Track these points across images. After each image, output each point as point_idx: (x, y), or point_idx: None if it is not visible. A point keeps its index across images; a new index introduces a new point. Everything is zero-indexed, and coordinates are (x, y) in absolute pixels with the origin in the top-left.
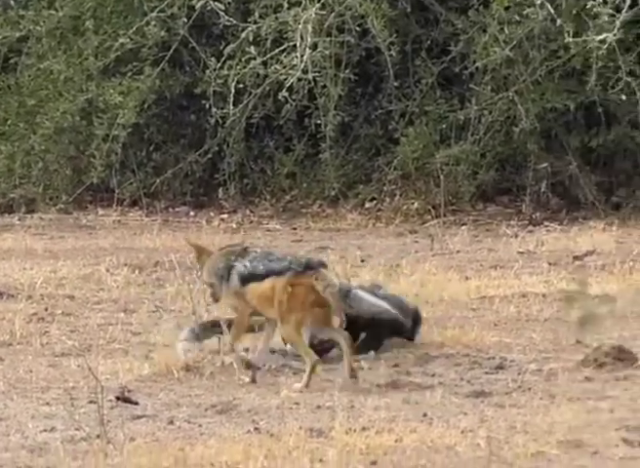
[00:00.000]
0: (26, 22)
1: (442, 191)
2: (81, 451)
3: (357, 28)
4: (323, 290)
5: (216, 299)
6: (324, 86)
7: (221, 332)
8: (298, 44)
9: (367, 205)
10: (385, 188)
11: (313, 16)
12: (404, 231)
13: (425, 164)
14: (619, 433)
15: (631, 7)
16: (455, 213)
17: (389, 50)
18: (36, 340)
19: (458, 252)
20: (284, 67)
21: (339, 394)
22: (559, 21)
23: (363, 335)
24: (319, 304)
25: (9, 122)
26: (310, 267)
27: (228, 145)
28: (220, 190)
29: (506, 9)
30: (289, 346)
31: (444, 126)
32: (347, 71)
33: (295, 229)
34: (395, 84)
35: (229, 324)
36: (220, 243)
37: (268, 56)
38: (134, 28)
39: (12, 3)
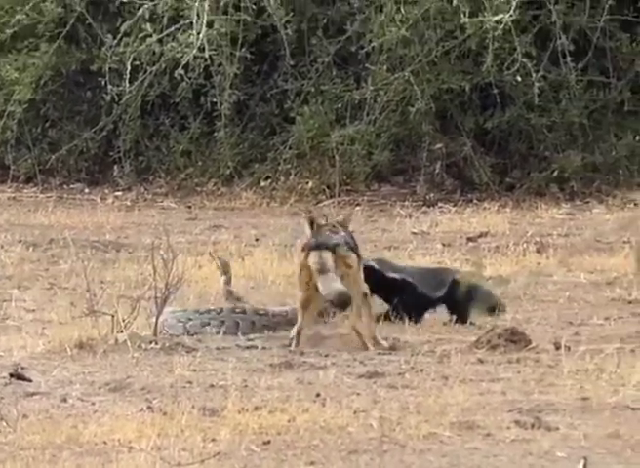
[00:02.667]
0: None
1: (337, 171)
2: None
3: (253, 6)
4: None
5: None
6: (220, 64)
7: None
8: (194, 21)
9: (262, 184)
10: (280, 167)
11: None
12: (299, 211)
13: (321, 143)
14: (511, 415)
15: None
16: (349, 193)
17: (285, 28)
18: None
19: (352, 232)
20: (180, 45)
21: (232, 373)
22: (455, 1)
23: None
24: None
25: None
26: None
27: (124, 123)
28: (115, 167)
29: None
30: None
31: (339, 105)
32: (243, 50)
33: (189, 207)
34: (291, 63)
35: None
36: (115, 221)
37: (165, 33)
38: (30, 4)
39: None
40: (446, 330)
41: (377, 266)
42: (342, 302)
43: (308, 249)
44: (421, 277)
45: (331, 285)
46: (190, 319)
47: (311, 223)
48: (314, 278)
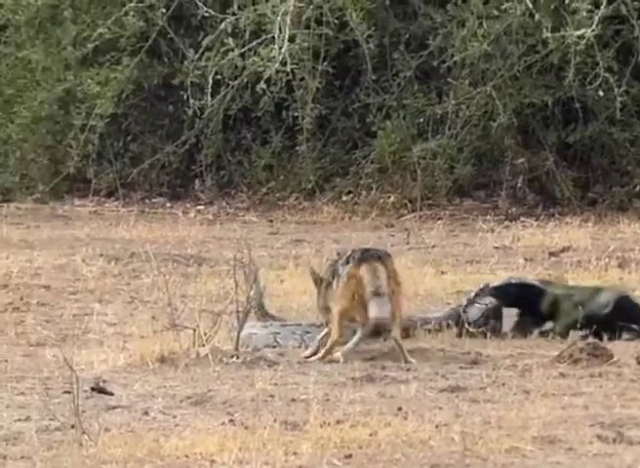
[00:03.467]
0: (5, 11)
1: (419, 185)
2: (56, 441)
3: (335, 21)
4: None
5: None
6: (302, 78)
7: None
8: (276, 36)
9: (343, 198)
10: (362, 182)
11: (292, 8)
12: (380, 225)
13: (402, 158)
14: (593, 429)
15: (610, 2)
16: (431, 207)
17: (367, 43)
18: (11, 330)
19: (433, 246)
20: (262, 59)
21: (314, 387)
22: (537, 16)
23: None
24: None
25: None
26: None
27: (206, 137)
28: (197, 182)
29: (485, 3)
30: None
31: (421, 120)
32: (325, 64)
33: (271, 221)
34: (373, 77)
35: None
36: (197, 235)
37: (246, 47)
38: (112, 18)
39: None
40: (527, 344)
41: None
42: (379, 331)
43: (358, 260)
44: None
45: (382, 310)
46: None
47: (316, 281)
48: (364, 293)
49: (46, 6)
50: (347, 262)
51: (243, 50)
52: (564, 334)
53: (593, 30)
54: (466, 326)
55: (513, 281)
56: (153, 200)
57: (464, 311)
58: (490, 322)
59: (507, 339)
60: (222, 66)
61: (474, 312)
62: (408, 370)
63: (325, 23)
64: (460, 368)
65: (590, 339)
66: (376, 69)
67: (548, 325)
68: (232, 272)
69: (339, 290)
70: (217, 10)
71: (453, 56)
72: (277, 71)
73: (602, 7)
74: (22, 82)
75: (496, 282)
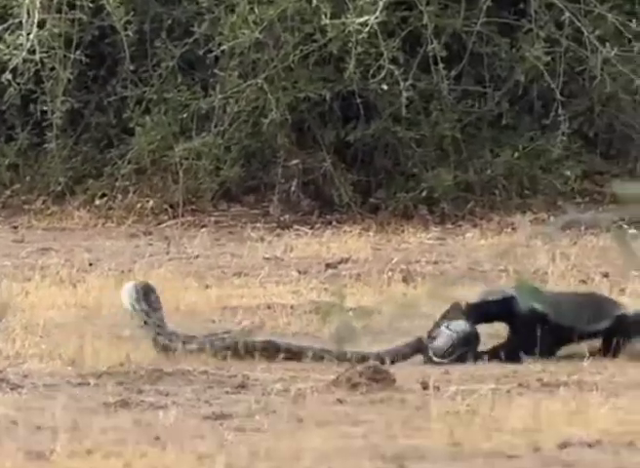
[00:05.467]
0: None
1: (180, 188)
2: None
3: (90, 5)
4: None
5: None
6: (52, 68)
7: None
8: (23, 21)
9: (97, 202)
10: (118, 184)
11: None
12: (137, 232)
13: (163, 157)
14: (373, 462)
15: None
16: (194, 213)
17: (125, 29)
18: None
19: (197, 256)
20: (8, 47)
21: (61, 413)
22: (315, 2)
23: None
24: None
25: None
26: None
27: None
28: None
29: None
30: None
31: (185, 115)
32: (78, 52)
33: (15, 228)
34: (131, 67)
35: None
36: None
37: None
38: None
39: None
40: (301, 366)
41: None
42: None
43: None
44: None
45: None
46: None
47: None
48: None
49: None
50: None
51: None
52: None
53: (377, 17)
54: (432, 356)
55: (491, 298)
56: None
57: (429, 338)
58: (459, 351)
59: (278, 361)
60: None
61: (441, 341)
62: (167, 394)
63: (79, 7)
64: (226, 392)
65: (371, 362)
66: (134, 59)
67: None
68: None
69: None
70: None
71: (220, 44)
72: (24, 60)
73: None
74: None
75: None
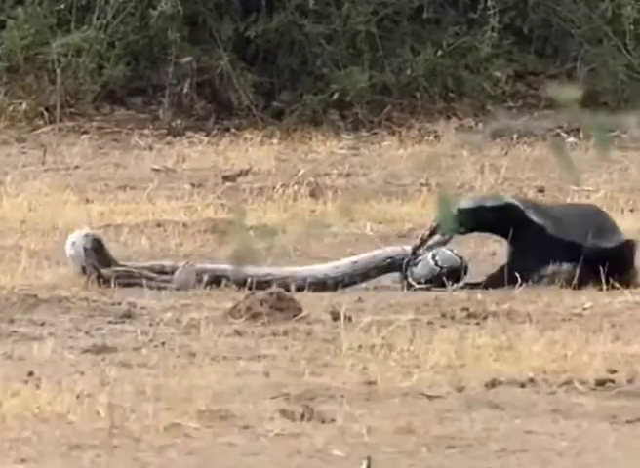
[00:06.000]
0: None
1: (58, 89)
2: None
3: None
4: None
5: None
6: None
7: None
8: None
9: None
10: None
11: None
12: (9, 139)
13: (38, 54)
14: (275, 402)
15: None
16: (74, 117)
17: None
18: None
19: (76, 167)
20: None
21: None
22: None
23: None
24: None
25: None
26: None
27: None
28: None
29: None
30: None
31: (62, 6)
32: None
33: None
34: None
35: None
36: None
37: None
38: None
39: None
40: (194, 293)
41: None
42: None
43: None
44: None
45: None
46: None
47: None
48: None
49: None
50: None
51: None
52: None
53: None
54: (411, 282)
55: (489, 203)
56: None
57: (408, 264)
58: (440, 281)
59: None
60: None
61: (423, 270)
62: (42, 324)
63: None
64: (109, 322)
65: (274, 288)
66: None
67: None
68: None
69: None
70: None
71: None
72: None
73: None
74: None
75: (462, 202)
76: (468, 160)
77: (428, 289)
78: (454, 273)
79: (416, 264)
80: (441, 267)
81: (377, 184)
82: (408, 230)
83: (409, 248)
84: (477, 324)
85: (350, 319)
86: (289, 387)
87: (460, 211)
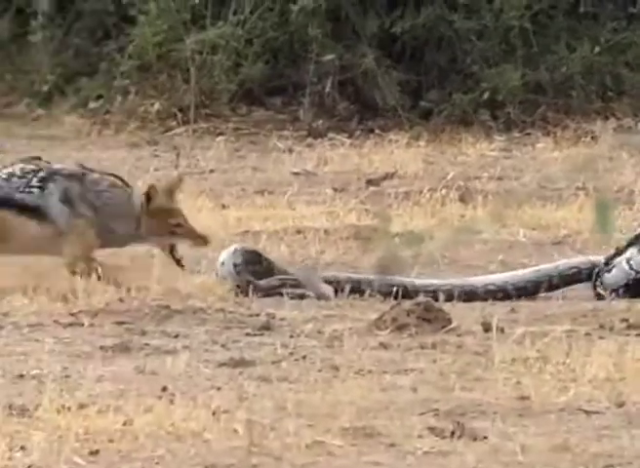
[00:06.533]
0: None
1: (192, 89)
2: None
3: None
4: None
5: None
6: None
7: None
8: None
9: (91, 105)
10: (116, 83)
11: None
12: (140, 141)
13: (171, 51)
14: (423, 419)
15: None
16: (209, 118)
17: None
18: None
19: (212, 171)
20: None
21: (49, 358)
22: None
23: None
24: None
25: None
26: None
27: None
28: None
29: None
30: None
31: (197, 1)
32: None
33: None
34: None
35: None
36: None
37: None
38: None
39: None
40: (337, 303)
41: None
42: None
43: None
44: None
45: None
46: None
47: None
48: None
49: None
50: None
51: None
52: None
53: None
54: (601, 292)
55: None
56: None
57: (598, 274)
58: (633, 291)
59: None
60: None
61: (616, 276)
62: (176, 336)
63: None
64: (247, 334)
65: (421, 298)
66: None
67: None
68: None
69: None
70: None
71: None
72: None
73: None
74: None
75: None
76: (627, 162)
77: (619, 297)
78: None
79: (609, 270)
80: (637, 271)
81: (530, 188)
82: (563, 237)
83: (596, 258)
84: (638, 335)
85: (503, 330)
86: (438, 403)
87: None
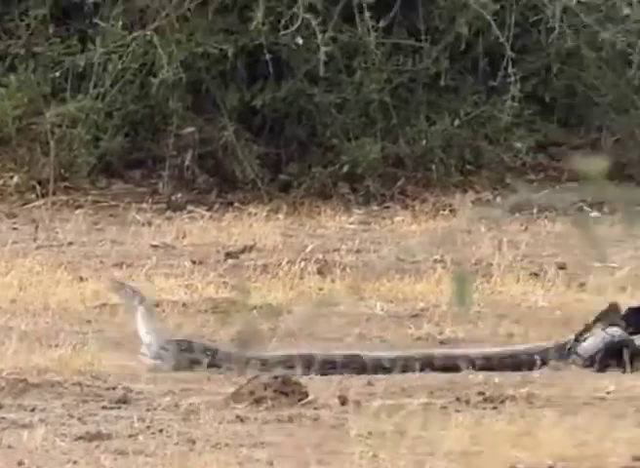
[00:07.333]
0: None
1: (51, 162)
2: None
3: None
4: None
5: None
6: None
7: None
8: None
9: None
10: None
11: None
12: None
13: (31, 124)
14: None
15: None
16: (68, 191)
17: None
18: None
19: (70, 243)
20: None
21: None
22: None
23: None
24: None
25: None
26: None
27: None
28: None
29: None
30: None
31: (57, 74)
32: None
33: None
34: None
35: None
36: None
37: None
38: None
39: None
40: (194, 377)
41: None
42: None
43: None
44: None
45: None
46: None
47: None
48: None
49: None
50: None
51: None
52: None
53: None
54: (576, 361)
55: None
56: None
57: (576, 341)
58: (607, 360)
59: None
60: None
61: (591, 343)
62: (32, 410)
63: None
64: (104, 408)
65: (279, 372)
66: None
67: None
68: None
69: None
70: None
71: None
72: None
73: None
74: None
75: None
76: (486, 236)
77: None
78: (621, 347)
79: (583, 340)
80: (612, 336)
81: (388, 261)
82: (421, 309)
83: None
84: (494, 408)
85: (359, 403)
86: None
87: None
